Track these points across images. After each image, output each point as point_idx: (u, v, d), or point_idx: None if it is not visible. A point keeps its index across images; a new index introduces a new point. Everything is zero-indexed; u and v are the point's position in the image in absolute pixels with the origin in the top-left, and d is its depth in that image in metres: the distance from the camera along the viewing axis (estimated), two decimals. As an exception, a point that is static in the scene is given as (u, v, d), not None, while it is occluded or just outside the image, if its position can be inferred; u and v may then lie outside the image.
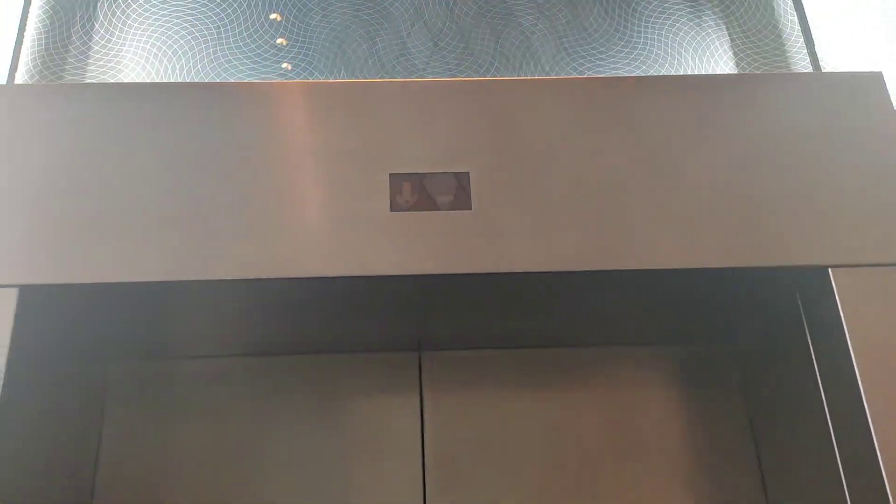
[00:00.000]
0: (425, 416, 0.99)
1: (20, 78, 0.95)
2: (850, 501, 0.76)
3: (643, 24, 1.05)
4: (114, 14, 1.01)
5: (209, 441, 0.98)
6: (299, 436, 0.98)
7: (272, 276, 0.76)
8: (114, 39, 1.00)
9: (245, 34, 1.01)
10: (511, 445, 0.99)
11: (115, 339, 0.96)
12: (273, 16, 1.02)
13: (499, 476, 0.97)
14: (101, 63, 0.99)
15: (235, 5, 1.03)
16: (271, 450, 0.97)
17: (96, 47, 0.99)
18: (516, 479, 0.97)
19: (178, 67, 0.99)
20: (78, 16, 1.01)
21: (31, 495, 0.79)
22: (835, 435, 0.78)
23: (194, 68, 0.99)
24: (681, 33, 1.04)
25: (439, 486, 0.96)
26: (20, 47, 0.96)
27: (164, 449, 0.97)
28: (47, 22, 0.99)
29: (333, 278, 0.76)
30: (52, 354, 0.84)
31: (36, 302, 0.77)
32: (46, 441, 0.84)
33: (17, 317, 0.74)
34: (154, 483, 0.95)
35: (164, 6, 1.03)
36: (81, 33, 1.00)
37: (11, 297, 0.74)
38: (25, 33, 0.97)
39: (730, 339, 1.03)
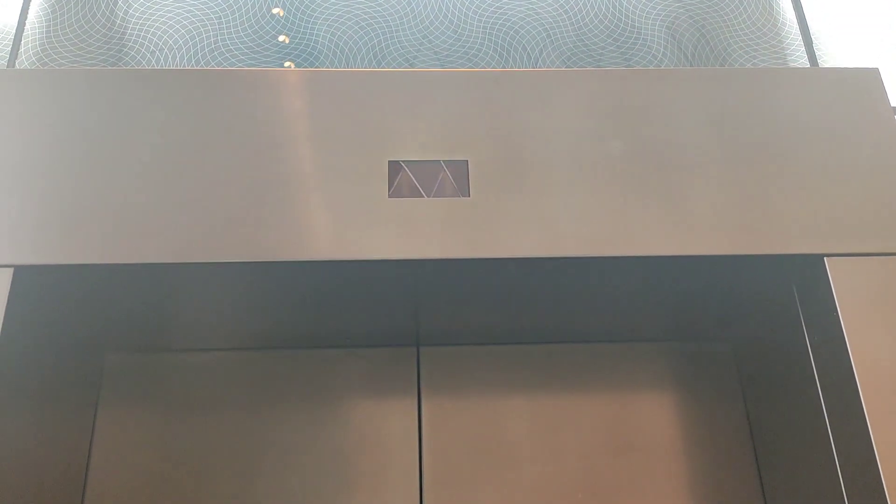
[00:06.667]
0: (423, 413, 0.99)
1: (21, 63, 0.96)
2: (847, 496, 0.75)
3: (644, 42, 1.06)
4: (115, 3, 1.02)
5: (204, 435, 0.97)
6: (295, 431, 0.97)
7: (271, 259, 0.75)
8: (115, 27, 1.01)
9: (250, 51, 1.01)
10: (508, 442, 0.98)
11: (113, 329, 0.96)
12: (281, 38, 1.02)
13: (496, 474, 0.96)
14: (100, 52, 1.00)
15: (244, 27, 1.03)
16: (267, 445, 0.97)
17: (97, 35, 1.00)
18: (514, 476, 0.96)
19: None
20: (80, 4, 1.02)
21: (21, 488, 0.78)
22: (831, 429, 0.78)
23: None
24: (686, 49, 1.06)
25: (436, 484, 0.95)
26: (21, 33, 0.96)
27: (158, 443, 0.96)
28: (48, 10, 1.00)
29: (332, 262, 0.76)
30: (46, 341, 0.83)
31: (32, 284, 0.76)
32: (37, 431, 0.83)
33: (10, 299, 0.73)
34: (147, 478, 0.94)
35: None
36: (83, 22, 1.01)
37: (6, 277, 0.73)
38: (27, 20, 0.98)
39: (727, 334, 1.03)
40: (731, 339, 1.03)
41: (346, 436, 0.97)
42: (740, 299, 0.93)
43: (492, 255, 0.77)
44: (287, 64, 1.00)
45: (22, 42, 0.96)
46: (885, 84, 0.87)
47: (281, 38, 1.02)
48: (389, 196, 0.79)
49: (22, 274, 0.74)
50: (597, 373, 1.02)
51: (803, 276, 0.82)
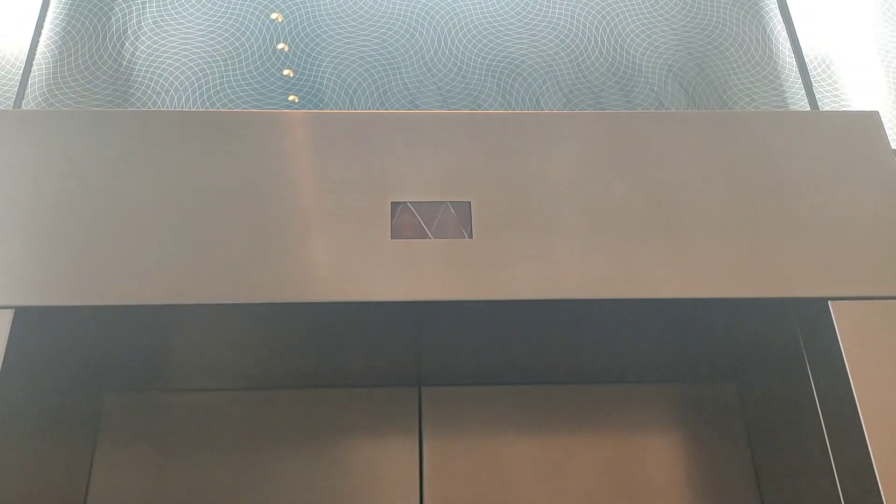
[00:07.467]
0: (424, 453, 0.98)
1: (27, 103, 0.97)
2: (856, 542, 0.74)
3: (646, 80, 1.07)
4: (122, 44, 1.03)
5: (202, 476, 0.96)
6: (296, 471, 0.96)
7: (273, 300, 0.75)
8: (122, 67, 1.02)
9: (255, 92, 1.02)
10: (511, 484, 0.97)
11: (111, 368, 0.95)
12: (286, 72, 1.03)
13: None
14: (107, 92, 1.00)
15: (247, 63, 1.04)
16: (266, 486, 0.95)
17: (104, 76, 1.01)
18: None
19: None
20: (87, 46, 1.03)
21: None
22: (837, 472, 0.77)
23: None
24: (687, 87, 1.06)
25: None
26: (28, 72, 0.97)
27: (155, 483, 0.95)
28: (55, 50, 1.01)
29: (334, 304, 0.76)
30: (45, 381, 0.83)
31: (32, 325, 0.76)
32: (36, 470, 0.82)
33: (10, 339, 0.73)
34: (144, 519, 0.93)
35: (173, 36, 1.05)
36: (90, 62, 1.02)
37: (6, 318, 0.73)
38: (34, 61, 0.99)
39: (732, 376, 1.02)
40: (735, 380, 1.03)
41: (346, 476, 0.96)
42: (745, 342, 0.93)
43: (494, 297, 0.77)
44: (291, 97, 1.00)
45: (29, 81, 0.97)
46: (885, 126, 0.87)
47: (286, 71, 1.03)
48: (392, 237, 0.79)
49: (22, 315, 0.74)
50: (601, 414, 1.01)
51: (808, 319, 0.81)
